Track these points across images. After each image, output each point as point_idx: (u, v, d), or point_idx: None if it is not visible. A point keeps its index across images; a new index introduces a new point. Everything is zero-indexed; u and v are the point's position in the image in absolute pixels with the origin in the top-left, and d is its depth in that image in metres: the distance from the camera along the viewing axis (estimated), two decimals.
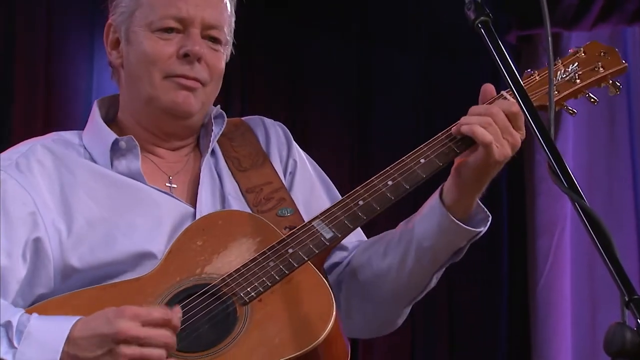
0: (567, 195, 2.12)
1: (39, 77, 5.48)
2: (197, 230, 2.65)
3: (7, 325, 2.43)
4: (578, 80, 2.79)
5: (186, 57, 2.71)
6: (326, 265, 2.81)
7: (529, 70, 2.80)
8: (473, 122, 2.67)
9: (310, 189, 2.91)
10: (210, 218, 2.69)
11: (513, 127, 2.66)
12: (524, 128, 2.66)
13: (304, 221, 2.73)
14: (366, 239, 2.91)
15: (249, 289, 2.55)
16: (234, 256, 2.62)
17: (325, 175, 2.98)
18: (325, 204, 2.85)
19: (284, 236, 2.63)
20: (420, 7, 6.15)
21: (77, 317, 2.45)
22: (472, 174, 2.67)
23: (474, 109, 2.71)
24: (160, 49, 2.72)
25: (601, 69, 2.81)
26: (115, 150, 2.73)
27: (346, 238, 2.74)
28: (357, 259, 2.82)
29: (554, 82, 2.78)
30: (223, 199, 2.78)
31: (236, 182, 2.81)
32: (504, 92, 2.73)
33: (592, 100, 2.82)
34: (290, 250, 2.59)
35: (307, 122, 6.04)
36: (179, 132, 2.81)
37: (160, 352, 2.42)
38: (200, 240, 2.63)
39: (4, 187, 2.63)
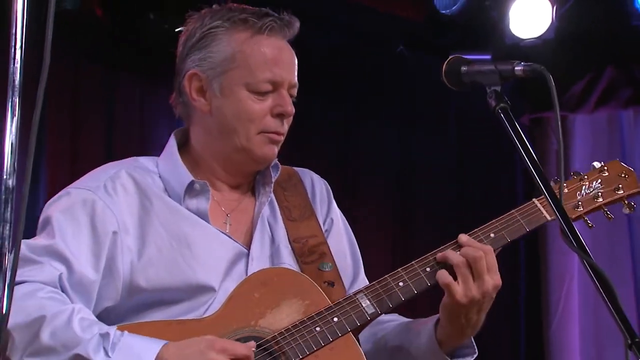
0: (577, 253, 2.09)
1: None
2: (256, 282, 2.55)
3: (105, 335, 2.37)
4: (600, 199, 2.73)
5: (279, 116, 2.62)
6: None
7: (556, 178, 2.69)
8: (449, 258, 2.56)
9: (338, 248, 2.77)
10: (268, 273, 2.58)
11: (487, 272, 2.53)
12: (496, 276, 2.54)
13: (340, 277, 2.65)
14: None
15: (296, 350, 2.46)
16: (285, 314, 2.52)
17: (353, 236, 2.85)
18: (348, 264, 2.77)
19: (331, 304, 2.54)
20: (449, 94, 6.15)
21: (165, 342, 2.38)
22: (445, 311, 2.56)
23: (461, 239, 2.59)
24: (258, 108, 2.59)
25: (621, 190, 2.74)
26: (189, 190, 2.62)
27: None
28: (364, 332, 2.70)
29: (580, 197, 2.73)
30: (272, 243, 2.67)
31: (286, 229, 2.70)
32: (535, 200, 2.67)
33: (608, 217, 2.76)
34: (336, 319, 2.50)
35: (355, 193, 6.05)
36: (253, 172, 2.71)
37: None
38: (258, 292, 2.53)
39: (94, 207, 2.54)
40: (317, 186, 2.82)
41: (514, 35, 5.71)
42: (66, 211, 2.55)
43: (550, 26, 5.64)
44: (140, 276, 2.52)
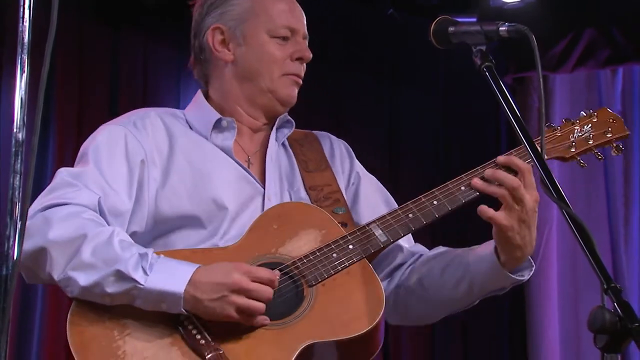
0: (557, 204, 2.09)
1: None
2: (274, 215, 2.58)
3: (144, 255, 2.41)
4: (591, 141, 2.73)
5: (298, 59, 2.72)
6: (391, 265, 2.76)
7: (549, 124, 2.73)
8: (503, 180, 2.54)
9: (374, 202, 2.81)
10: (286, 207, 2.63)
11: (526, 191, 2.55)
12: (534, 192, 2.55)
13: (352, 218, 2.68)
14: (423, 247, 2.82)
15: (315, 274, 2.49)
16: (303, 242, 2.54)
17: (383, 187, 2.88)
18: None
19: (346, 233, 2.57)
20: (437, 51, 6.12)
21: (197, 265, 2.42)
22: (499, 239, 2.55)
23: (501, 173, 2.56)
24: (280, 52, 2.69)
25: (609, 134, 2.75)
26: (217, 126, 2.70)
27: (407, 244, 2.74)
28: (418, 268, 2.73)
29: (574, 139, 2.73)
30: (292, 187, 2.73)
31: (302, 178, 2.75)
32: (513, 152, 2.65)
33: (599, 157, 2.77)
34: (351, 247, 2.53)
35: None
36: (275, 115, 2.76)
37: (262, 305, 2.40)
38: (276, 224, 2.56)
39: (126, 139, 2.61)
40: (336, 145, 2.87)
41: None
42: (100, 143, 2.61)
43: None
44: (164, 204, 2.57)
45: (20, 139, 1.77)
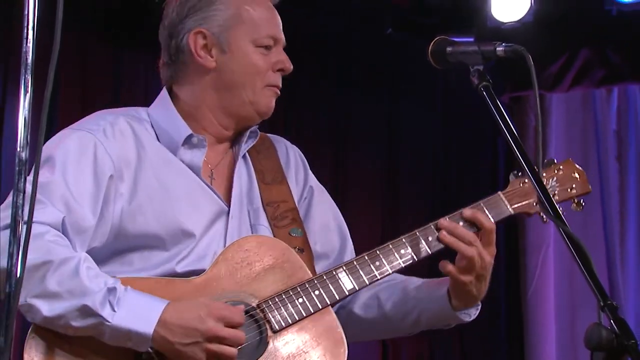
0: (554, 222, 2.09)
1: None
2: (240, 249, 2.51)
3: (112, 290, 2.33)
4: (556, 197, 2.75)
5: (280, 71, 2.63)
6: None
7: (516, 172, 2.72)
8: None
9: (322, 219, 2.77)
10: (255, 240, 2.55)
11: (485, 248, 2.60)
12: (492, 249, 2.60)
13: (308, 243, 2.65)
14: None
15: (280, 319, 2.45)
16: (269, 282, 2.49)
17: (336, 207, 2.83)
18: (334, 238, 2.76)
19: (311, 276, 2.53)
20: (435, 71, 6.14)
21: (166, 301, 2.36)
22: (455, 290, 2.59)
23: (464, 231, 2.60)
24: (263, 62, 2.59)
25: (574, 190, 2.78)
26: (186, 142, 2.59)
27: None
28: (363, 293, 2.71)
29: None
30: (251, 204, 2.65)
31: (260, 192, 2.67)
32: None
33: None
34: (317, 292, 2.50)
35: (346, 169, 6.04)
36: (248, 126, 2.67)
37: (234, 351, 2.37)
38: (243, 259, 2.50)
39: (96, 150, 2.49)
40: (291, 153, 2.80)
41: (495, 19, 5.71)
42: (69, 152, 2.50)
43: (529, 10, 5.64)
44: (128, 221, 2.48)
45: (24, 158, 1.78)
